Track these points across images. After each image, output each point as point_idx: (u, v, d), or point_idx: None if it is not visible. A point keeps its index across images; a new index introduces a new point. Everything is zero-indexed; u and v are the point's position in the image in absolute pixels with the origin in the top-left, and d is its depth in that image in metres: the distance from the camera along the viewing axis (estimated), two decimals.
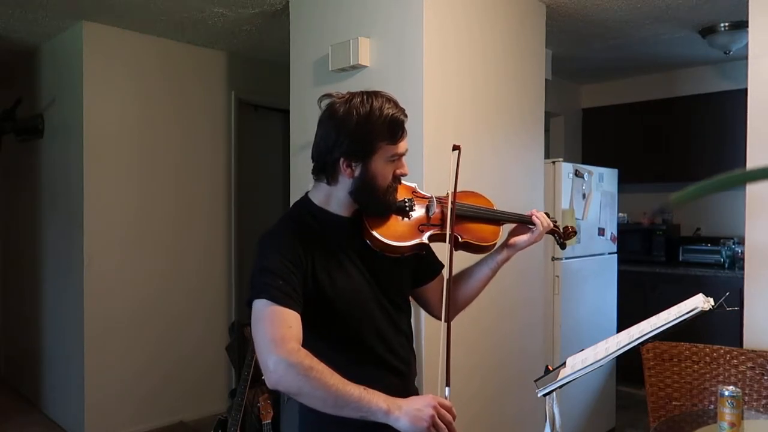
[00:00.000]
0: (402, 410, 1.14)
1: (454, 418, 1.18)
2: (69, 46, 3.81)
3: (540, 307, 3.31)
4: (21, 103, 4.11)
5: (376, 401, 1.14)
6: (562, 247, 1.72)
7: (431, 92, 2.64)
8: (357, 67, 2.84)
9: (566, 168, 3.49)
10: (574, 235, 1.70)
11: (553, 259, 3.45)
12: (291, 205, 3.30)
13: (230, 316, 4.32)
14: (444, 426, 1.15)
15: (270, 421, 2.84)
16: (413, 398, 1.19)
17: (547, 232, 1.60)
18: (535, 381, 1.37)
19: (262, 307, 1.24)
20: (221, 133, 4.33)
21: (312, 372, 1.14)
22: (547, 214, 1.60)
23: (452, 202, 1.42)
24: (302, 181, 3.18)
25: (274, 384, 1.17)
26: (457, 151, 1.44)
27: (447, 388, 1.29)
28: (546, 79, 3.45)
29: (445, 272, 1.38)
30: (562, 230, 1.67)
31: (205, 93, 4.23)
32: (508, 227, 1.60)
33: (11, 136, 4.30)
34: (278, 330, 1.19)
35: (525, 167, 3.18)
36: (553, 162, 3.48)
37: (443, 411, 1.16)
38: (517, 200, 2.97)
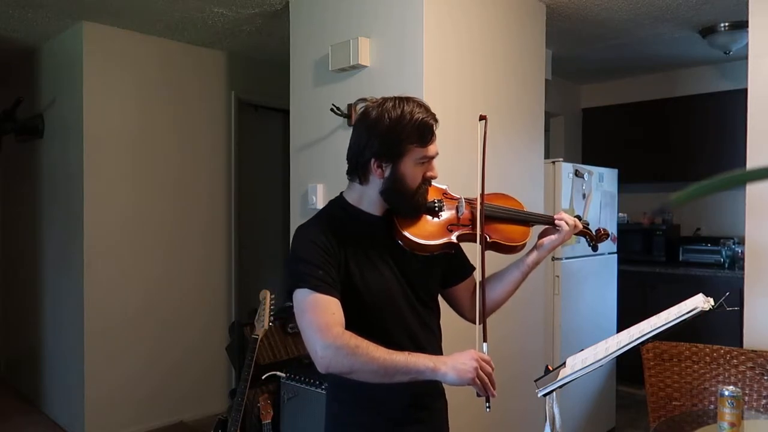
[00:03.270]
0: (448, 365, 1.25)
1: (492, 369, 1.29)
2: (69, 46, 3.81)
3: (540, 307, 3.31)
4: (21, 103, 4.11)
5: (423, 362, 1.24)
6: (594, 249, 1.73)
7: (431, 92, 2.64)
8: (357, 67, 2.84)
9: (566, 168, 3.49)
10: (606, 238, 1.70)
11: (553, 259, 3.45)
12: (290, 204, 3.32)
13: (230, 316, 4.32)
14: (486, 377, 1.26)
15: (270, 421, 2.83)
16: (455, 354, 1.28)
17: (578, 234, 1.62)
18: (535, 381, 1.37)
19: (303, 297, 1.30)
20: (221, 133, 4.33)
21: (359, 350, 1.23)
22: (579, 218, 1.61)
23: (481, 204, 1.44)
24: (302, 181, 3.18)
25: (326, 368, 1.25)
26: (484, 121, 1.46)
27: (485, 344, 1.36)
28: (546, 79, 3.45)
29: (477, 261, 1.42)
30: (594, 232, 1.68)
31: (205, 93, 4.23)
32: (537, 229, 1.60)
33: (11, 136, 4.30)
34: (322, 318, 1.27)
35: (525, 167, 3.19)
36: (553, 162, 3.48)
37: (484, 363, 1.27)
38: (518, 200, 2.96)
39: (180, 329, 4.08)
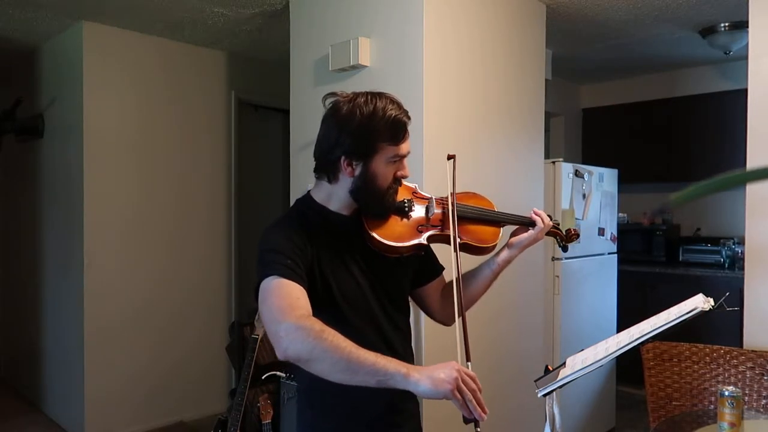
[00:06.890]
0: (422, 374, 1.07)
1: (479, 389, 1.10)
2: (69, 46, 3.81)
3: (540, 307, 3.30)
4: (21, 103, 4.11)
5: (393, 365, 1.08)
6: (564, 249, 1.72)
7: (431, 92, 2.64)
8: (357, 67, 2.84)
9: (566, 168, 3.49)
10: (576, 238, 1.69)
11: (553, 259, 3.45)
12: (290, 204, 3.31)
13: (230, 316, 4.32)
14: (468, 392, 1.08)
15: (270, 421, 2.84)
16: (435, 365, 1.10)
17: (548, 234, 1.60)
18: (535, 381, 1.36)
19: (268, 283, 1.22)
20: (221, 133, 4.33)
21: (323, 334, 1.10)
22: (550, 216, 1.59)
23: (452, 204, 1.41)
24: (302, 181, 3.18)
25: (284, 350, 1.12)
26: (452, 160, 1.43)
27: (468, 363, 1.21)
28: (546, 79, 3.45)
29: (453, 270, 1.37)
30: (564, 232, 1.67)
31: (205, 93, 4.23)
32: (509, 229, 1.59)
33: (11, 136, 4.30)
34: (286, 300, 1.18)
35: (525, 167, 3.18)
36: (553, 162, 3.48)
37: (467, 378, 1.09)
38: (517, 200, 2.97)
39: (180, 329, 4.08)
